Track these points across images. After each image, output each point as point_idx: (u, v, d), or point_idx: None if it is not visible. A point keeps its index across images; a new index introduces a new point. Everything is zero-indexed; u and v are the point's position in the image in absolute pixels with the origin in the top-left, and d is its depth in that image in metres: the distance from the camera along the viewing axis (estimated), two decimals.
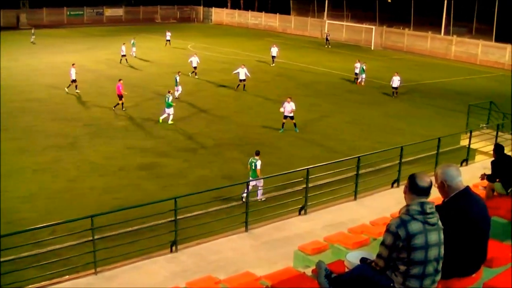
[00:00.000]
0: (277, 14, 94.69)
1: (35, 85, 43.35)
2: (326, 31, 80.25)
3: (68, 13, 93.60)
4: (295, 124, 33.39)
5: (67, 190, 23.88)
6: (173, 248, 14.85)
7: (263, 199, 22.53)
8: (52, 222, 17.53)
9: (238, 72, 43.64)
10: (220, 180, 25.21)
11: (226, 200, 21.09)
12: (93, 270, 13.88)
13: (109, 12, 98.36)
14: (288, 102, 33.13)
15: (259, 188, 22.69)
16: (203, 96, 42.42)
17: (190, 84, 46.19)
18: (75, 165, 26.89)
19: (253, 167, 23.19)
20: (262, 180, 22.26)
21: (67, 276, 14.06)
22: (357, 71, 49.67)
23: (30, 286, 13.82)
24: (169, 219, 16.49)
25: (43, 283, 13.84)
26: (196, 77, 48.90)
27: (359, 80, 49.43)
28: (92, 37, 74.29)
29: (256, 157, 23.38)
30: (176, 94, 40.28)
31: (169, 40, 69.99)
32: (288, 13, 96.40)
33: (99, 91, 42.63)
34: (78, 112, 36.45)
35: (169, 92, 35.91)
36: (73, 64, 42.35)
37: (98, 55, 59.54)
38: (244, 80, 43.45)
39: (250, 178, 22.56)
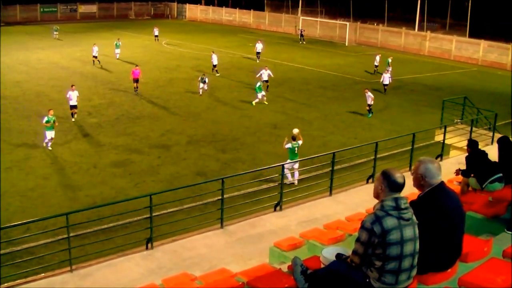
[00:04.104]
0: (251, 10, 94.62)
1: (6, 82, 42.77)
2: (300, 27, 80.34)
3: (41, 9, 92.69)
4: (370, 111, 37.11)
5: (40, 187, 23.64)
6: (149, 245, 14.76)
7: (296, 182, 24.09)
8: (26, 220, 17.35)
9: (262, 74, 42.72)
10: (194, 176, 25.12)
11: (201, 196, 20.99)
12: (68, 268, 13.75)
13: (82, 8, 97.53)
14: (366, 93, 36.75)
15: (297, 169, 24.29)
16: (174, 92, 42.24)
17: (160, 80, 46.13)
18: (48, 163, 26.62)
19: (296, 151, 24.60)
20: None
21: (43, 274, 13.91)
22: (376, 63, 52.79)
23: (4, 284, 13.65)
24: (144, 216, 16.39)
25: (18, 281, 13.70)
26: (218, 74, 48.93)
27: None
28: (65, 34, 73.40)
29: (295, 142, 24.65)
30: (200, 91, 41.34)
31: (157, 36, 71.19)
32: (262, 10, 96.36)
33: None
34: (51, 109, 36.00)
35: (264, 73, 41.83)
36: (72, 86, 34.49)
37: (71, 52, 59.02)
38: (266, 81, 42.68)
39: (289, 160, 24.06)
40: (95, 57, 52.64)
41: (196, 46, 65.87)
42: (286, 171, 23.82)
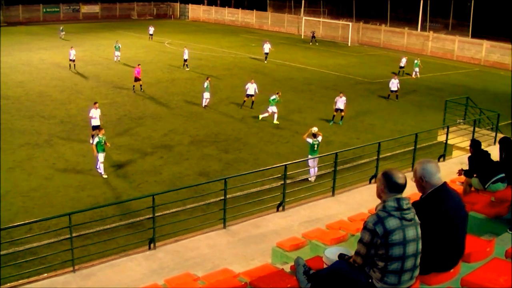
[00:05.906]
0: (254, 10, 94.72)
1: (9, 83, 42.79)
2: (309, 29, 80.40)
3: (44, 10, 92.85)
4: (342, 117, 34.99)
5: (42, 187, 23.60)
6: (151, 245, 14.76)
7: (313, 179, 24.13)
8: (28, 220, 17.36)
9: (247, 88, 38.65)
10: (196, 177, 25.10)
11: (203, 196, 20.99)
12: (71, 268, 13.75)
13: (85, 9, 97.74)
14: (340, 97, 34.74)
15: (316, 166, 24.59)
16: (176, 92, 42.23)
17: (163, 80, 46.19)
18: (50, 163, 26.58)
19: (315, 148, 24.78)
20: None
21: (45, 274, 13.92)
22: (402, 64, 53.80)
23: (7, 284, 13.67)
24: (147, 216, 16.40)
25: (20, 282, 13.71)
26: (187, 69, 51.47)
27: (413, 75, 52.85)
28: (67, 34, 73.17)
29: (316, 139, 24.92)
30: (203, 102, 37.82)
31: (152, 35, 72.51)
32: (265, 10, 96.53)
33: (74, 88, 42.25)
34: (54, 109, 36.03)
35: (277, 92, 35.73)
36: (95, 103, 29.83)
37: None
38: (252, 95, 38.33)
39: (310, 156, 24.42)
40: (72, 60, 50.07)
41: (198, 46, 65.84)
42: (309, 167, 24.47)
